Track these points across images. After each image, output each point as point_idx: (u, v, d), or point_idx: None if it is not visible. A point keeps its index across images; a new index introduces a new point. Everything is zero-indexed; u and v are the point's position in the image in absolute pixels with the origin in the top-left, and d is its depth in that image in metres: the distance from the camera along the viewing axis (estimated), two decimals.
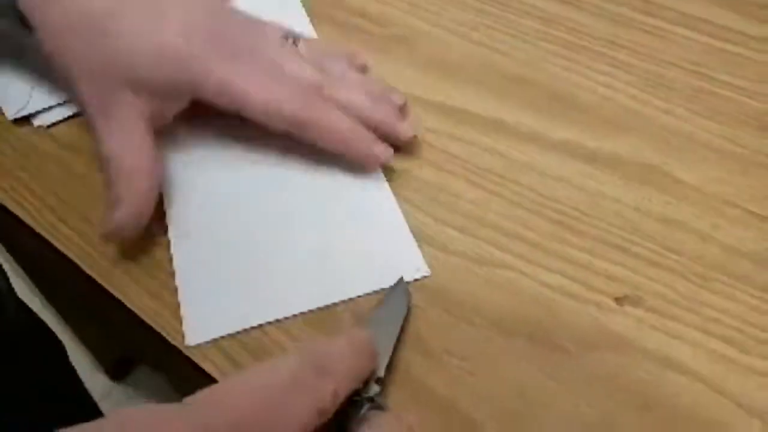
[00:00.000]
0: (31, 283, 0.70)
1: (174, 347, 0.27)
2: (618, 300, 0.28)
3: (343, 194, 0.31)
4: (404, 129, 0.33)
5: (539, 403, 0.25)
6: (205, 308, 0.28)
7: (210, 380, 0.26)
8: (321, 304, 0.27)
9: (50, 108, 0.35)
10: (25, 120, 0.35)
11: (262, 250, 0.29)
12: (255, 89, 0.30)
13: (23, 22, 0.30)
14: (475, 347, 0.26)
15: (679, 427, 0.24)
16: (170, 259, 0.29)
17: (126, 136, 0.29)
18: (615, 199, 0.31)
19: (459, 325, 0.27)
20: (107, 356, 0.88)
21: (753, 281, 0.28)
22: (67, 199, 0.32)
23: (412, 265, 0.29)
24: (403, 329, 0.26)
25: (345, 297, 0.28)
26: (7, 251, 0.62)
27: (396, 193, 0.32)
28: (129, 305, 0.28)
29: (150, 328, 0.27)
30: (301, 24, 0.40)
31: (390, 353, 0.25)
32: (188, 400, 0.19)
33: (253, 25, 0.33)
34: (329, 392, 0.20)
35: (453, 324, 0.27)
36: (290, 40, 0.33)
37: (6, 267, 0.48)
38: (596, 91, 0.36)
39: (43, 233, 0.31)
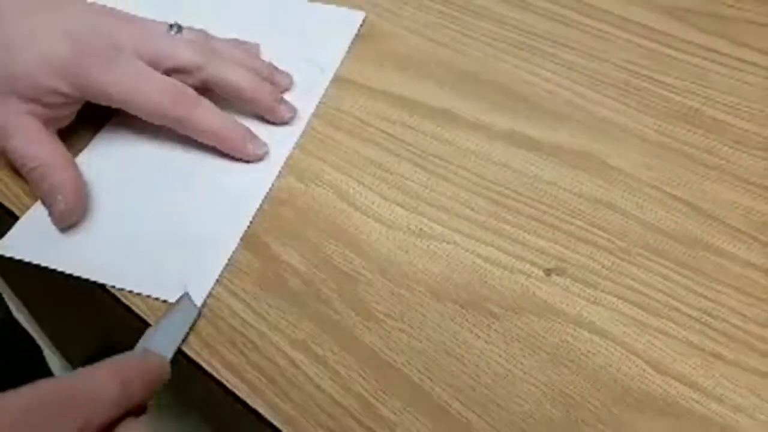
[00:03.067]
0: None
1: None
2: (546, 271, 0.30)
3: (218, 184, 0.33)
4: (281, 111, 0.35)
5: (465, 359, 0.27)
6: (38, 231, 0.30)
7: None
8: (107, 282, 0.29)
9: None
10: None
11: (116, 212, 0.31)
12: (129, 92, 0.31)
13: None
14: (412, 311, 0.28)
15: (590, 382, 0.26)
16: None
17: (32, 142, 0.30)
18: (551, 182, 0.34)
19: (397, 290, 0.29)
20: (78, 354, 0.88)
21: (669, 255, 0.30)
22: None
23: (197, 287, 0.29)
24: (184, 340, 0.27)
25: (119, 285, 0.29)
26: None
27: (348, 174, 0.34)
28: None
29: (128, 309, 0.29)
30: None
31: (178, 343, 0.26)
32: None
33: (134, 23, 0.33)
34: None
35: (392, 289, 0.29)
36: (174, 29, 0.34)
37: None
38: (541, 86, 0.39)
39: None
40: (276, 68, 0.38)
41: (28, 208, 0.32)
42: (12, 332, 0.49)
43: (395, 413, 0.26)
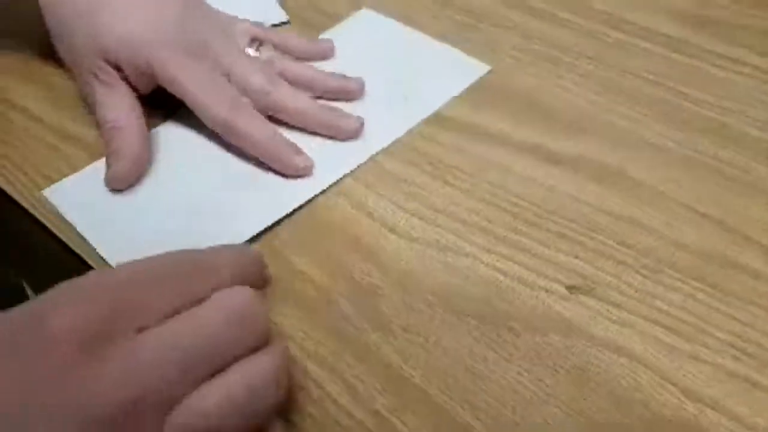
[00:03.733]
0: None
1: None
2: (569, 288, 0.29)
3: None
4: (345, 125, 0.35)
5: (484, 376, 0.26)
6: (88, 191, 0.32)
7: None
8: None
9: None
10: None
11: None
12: (193, 89, 0.33)
13: None
14: (430, 325, 0.28)
15: (618, 406, 0.25)
16: None
17: (116, 99, 0.33)
18: (574, 196, 0.33)
19: (416, 304, 0.28)
20: None
21: (698, 275, 0.29)
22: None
23: None
24: None
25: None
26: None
27: (367, 185, 0.33)
28: None
29: None
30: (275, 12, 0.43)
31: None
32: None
33: (222, 24, 0.36)
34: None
35: (411, 303, 0.28)
36: (256, 44, 0.36)
37: None
38: (562, 98, 0.38)
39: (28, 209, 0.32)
40: (345, 78, 0.37)
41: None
42: None
43: (412, 430, 0.25)
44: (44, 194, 0.32)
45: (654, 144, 0.35)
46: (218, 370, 0.21)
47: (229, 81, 0.34)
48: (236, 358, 0.21)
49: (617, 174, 0.34)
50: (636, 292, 0.29)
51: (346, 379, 0.26)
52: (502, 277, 0.29)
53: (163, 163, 0.34)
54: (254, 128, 0.33)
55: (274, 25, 0.43)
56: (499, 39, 0.42)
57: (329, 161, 0.34)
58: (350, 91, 0.37)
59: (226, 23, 0.37)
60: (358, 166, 0.34)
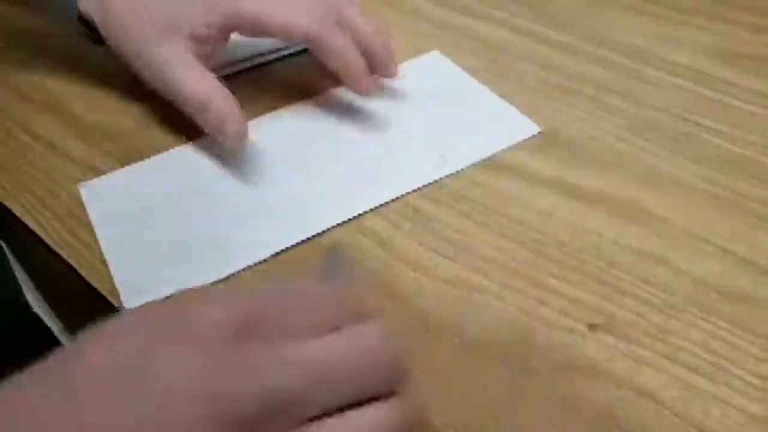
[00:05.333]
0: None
1: None
2: (591, 327, 0.29)
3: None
4: (394, 69, 0.39)
5: (508, 421, 0.26)
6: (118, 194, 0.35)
7: None
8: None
9: None
10: None
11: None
12: (280, 13, 0.36)
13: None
14: (451, 366, 0.28)
15: None
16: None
17: (198, 77, 0.36)
18: (596, 232, 0.33)
19: (437, 345, 0.28)
20: None
21: (720, 313, 0.29)
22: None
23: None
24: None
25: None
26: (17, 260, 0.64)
27: (385, 218, 0.34)
28: None
29: None
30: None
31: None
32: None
33: None
34: None
35: (432, 343, 0.28)
36: None
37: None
38: (585, 132, 0.38)
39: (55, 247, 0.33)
40: (390, 53, 0.39)
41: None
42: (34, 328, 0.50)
43: None
44: (79, 189, 0.35)
45: (677, 179, 0.35)
46: (343, 402, 0.20)
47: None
48: (362, 395, 0.21)
49: (640, 210, 0.34)
50: (659, 330, 0.28)
51: None
52: (523, 316, 0.29)
53: (183, 185, 0.35)
54: (340, 44, 0.36)
55: (296, 53, 0.44)
56: (523, 72, 0.42)
57: (352, 194, 0.34)
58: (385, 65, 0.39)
59: None
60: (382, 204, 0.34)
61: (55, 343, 0.51)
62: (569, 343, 0.28)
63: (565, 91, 0.41)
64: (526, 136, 0.38)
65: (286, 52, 0.44)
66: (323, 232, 0.33)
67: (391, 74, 0.39)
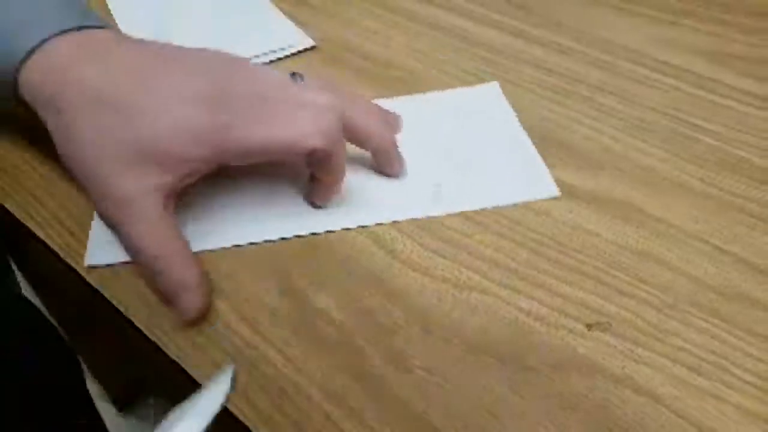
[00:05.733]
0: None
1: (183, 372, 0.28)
2: (589, 326, 0.29)
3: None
4: (398, 168, 0.35)
5: (506, 419, 0.26)
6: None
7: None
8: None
9: None
10: None
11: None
12: (277, 130, 0.29)
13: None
14: (449, 364, 0.28)
15: None
16: None
17: (154, 231, 0.28)
18: (593, 232, 0.33)
19: (436, 344, 0.28)
20: (114, 384, 0.89)
21: (717, 312, 0.29)
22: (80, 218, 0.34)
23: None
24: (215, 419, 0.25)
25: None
26: (16, 263, 0.64)
27: (386, 221, 0.34)
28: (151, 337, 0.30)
29: (164, 355, 0.29)
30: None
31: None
32: None
33: (260, 72, 0.31)
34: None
35: (430, 342, 0.28)
36: (298, 78, 0.35)
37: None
38: (582, 133, 0.38)
39: (60, 253, 0.33)
40: (390, 113, 0.36)
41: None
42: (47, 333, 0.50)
43: None
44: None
45: (673, 180, 0.35)
46: None
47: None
48: None
49: (635, 209, 0.34)
50: (656, 329, 0.29)
51: (365, 420, 0.26)
52: (521, 315, 0.29)
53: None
54: (343, 156, 0.31)
55: (300, 52, 0.44)
56: (518, 73, 0.43)
57: (355, 208, 0.34)
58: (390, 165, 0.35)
59: (260, 67, 0.32)
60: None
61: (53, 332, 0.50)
62: (568, 342, 0.28)
63: (560, 92, 0.41)
64: (541, 197, 0.34)
65: (282, 54, 0.44)
66: (322, 238, 0.33)
67: (395, 174, 0.35)
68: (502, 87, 0.41)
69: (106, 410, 0.89)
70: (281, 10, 0.49)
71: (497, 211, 0.34)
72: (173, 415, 0.26)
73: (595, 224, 0.33)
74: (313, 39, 0.45)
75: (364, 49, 0.45)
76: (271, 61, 0.44)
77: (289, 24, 0.47)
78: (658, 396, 0.26)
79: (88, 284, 0.31)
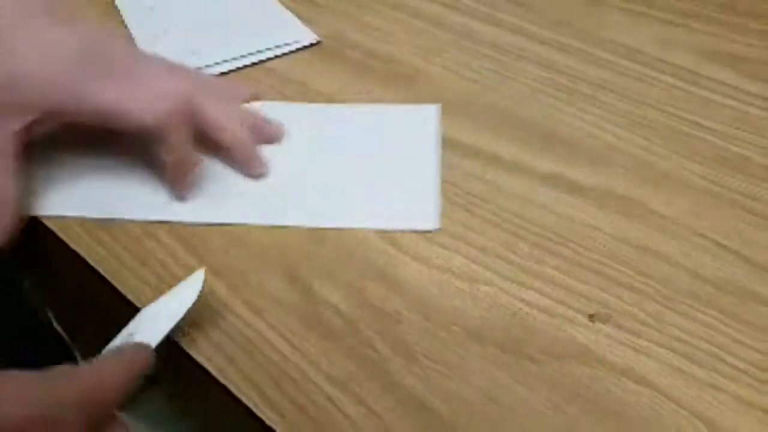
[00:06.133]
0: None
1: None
2: (590, 317, 0.29)
3: None
4: (253, 170, 0.36)
5: (506, 406, 0.27)
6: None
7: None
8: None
9: None
10: None
11: None
12: (125, 98, 0.32)
13: None
14: (451, 353, 0.28)
15: None
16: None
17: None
18: (594, 227, 0.33)
19: (438, 333, 0.29)
20: None
21: (715, 304, 0.30)
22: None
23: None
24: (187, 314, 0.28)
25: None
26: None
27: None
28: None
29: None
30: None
31: (166, 332, 0.27)
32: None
33: (131, 47, 0.36)
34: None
35: (433, 331, 0.29)
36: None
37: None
38: (583, 129, 0.39)
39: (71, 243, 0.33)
40: (264, 119, 0.38)
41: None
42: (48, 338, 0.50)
43: None
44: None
45: (673, 175, 0.36)
46: None
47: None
48: None
49: (636, 204, 0.34)
50: (655, 321, 0.29)
51: (369, 406, 0.27)
52: (523, 306, 0.30)
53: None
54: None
55: (304, 47, 0.45)
56: (520, 70, 0.43)
57: (209, 201, 0.35)
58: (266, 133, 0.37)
59: (129, 43, 0.37)
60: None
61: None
62: (569, 333, 0.29)
63: (562, 89, 0.42)
64: (415, 228, 0.33)
65: (287, 49, 0.45)
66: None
67: (251, 174, 0.36)
68: (503, 83, 0.42)
69: None
70: (286, 7, 0.49)
71: (500, 205, 0.34)
72: (143, 316, 0.27)
73: (596, 219, 0.34)
74: (317, 35, 0.46)
75: (367, 45, 0.45)
76: (276, 56, 0.44)
77: (294, 20, 0.48)
78: (656, 385, 0.27)
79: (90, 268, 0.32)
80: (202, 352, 0.28)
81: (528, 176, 0.36)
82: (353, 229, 0.33)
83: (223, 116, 0.35)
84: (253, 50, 0.44)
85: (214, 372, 0.28)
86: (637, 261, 0.32)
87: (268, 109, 0.39)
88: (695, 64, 0.43)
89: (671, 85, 0.42)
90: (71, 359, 0.52)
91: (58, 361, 0.24)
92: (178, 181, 0.34)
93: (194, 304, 0.28)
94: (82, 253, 0.32)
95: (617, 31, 0.47)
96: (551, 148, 0.38)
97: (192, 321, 0.29)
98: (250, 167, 0.36)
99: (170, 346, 0.29)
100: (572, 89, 0.42)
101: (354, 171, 0.36)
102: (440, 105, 0.40)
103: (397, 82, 0.42)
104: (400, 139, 0.38)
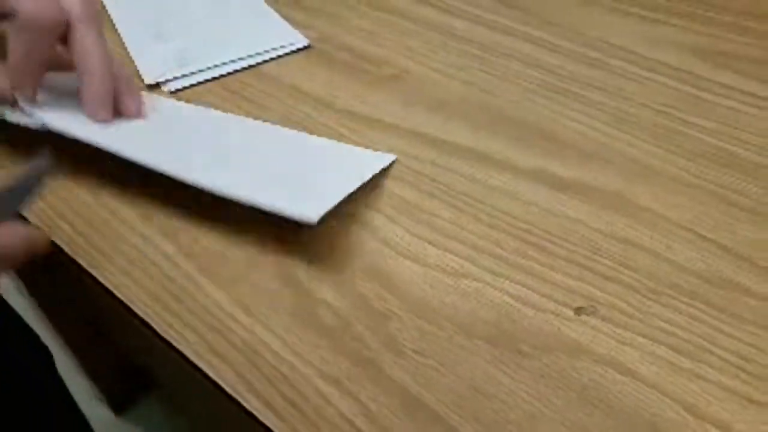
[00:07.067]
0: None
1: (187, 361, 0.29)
2: (576, 310, 0.30)
3: None
4: (130, 104, 0.36)
5: (494, 397, 0.27)
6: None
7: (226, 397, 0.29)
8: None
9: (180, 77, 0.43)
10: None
11: None
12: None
13: None
14: (441, 347, 0.29)
15: (622, 424, 0.26)
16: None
17: None
18: (580, 221, 0.34)
19: (428, 328, 0.29)
20: (110, 385, 0.87)
21: (698, 296, 0.30)
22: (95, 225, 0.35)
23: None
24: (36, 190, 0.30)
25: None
26: None
27: (380, 211, 0.35)
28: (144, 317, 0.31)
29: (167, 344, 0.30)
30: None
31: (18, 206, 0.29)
32: None
33: None
34: None
35: (423, 327, 0.30)
36: None
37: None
38: (570, 127, 0.40)
39: (63, 246, 0.34)
40: (133, 84, 0.37)
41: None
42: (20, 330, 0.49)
43: None
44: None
45: (658, 171, 0.37)
46: None
47: None
48: None
49: (622, 199, 0.35)
50: (640, 313, 0.30)
51: (362, 401, 0.27)
52: (511, 300, 0.30)
53: None
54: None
55: (295, 51, 0.45)
56: (507, 68, 0.44)
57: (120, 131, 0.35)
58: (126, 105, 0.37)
59: None
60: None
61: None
62: (555, 326, 0.29)
63: (550, 88, 0.42)
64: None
65: (278, 53, 0.45)
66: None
67: (95, 114, 0.35)
68: (491, 83, 0.42)
69: (102, 414, 0.87)
70: (276, 11, 0.50)
71: (487, 201, 0.35)
72: None
73: (582, 214, 0.34)
74: (308, 38, 0.46)
75: (358, 48, 0.46)
76: (269, 60, 0.45)
77: (285, 24, 0.48)
78: (642, 375, 0.28)
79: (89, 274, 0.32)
80: (195, 351, 0.29)
81: (515, 173, 0.37)
82: (240, 199, 0.32)
83: (100, 47, 0.35)
84: (245, 54, 0.45)
85: (210, 372, 0.28)
86: (621, 254, 0.32)
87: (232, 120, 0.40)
88: (685, 63, 0.44)
89: (660, 83, 0.43)
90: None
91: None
92: (86, 102, 0.35)
93: None
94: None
95: (607, 30, 0.47)
96: (539, 144, 0.38)
97: (186, 322, 0.30)
98: (96, 104, 0.35)
99: (158, 345, 0.30)
100: (561, 88, 0.42)
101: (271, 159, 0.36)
102: (396, 158, 0.38)
103: (387, 84, 0.43)
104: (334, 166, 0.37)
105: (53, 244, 0.33)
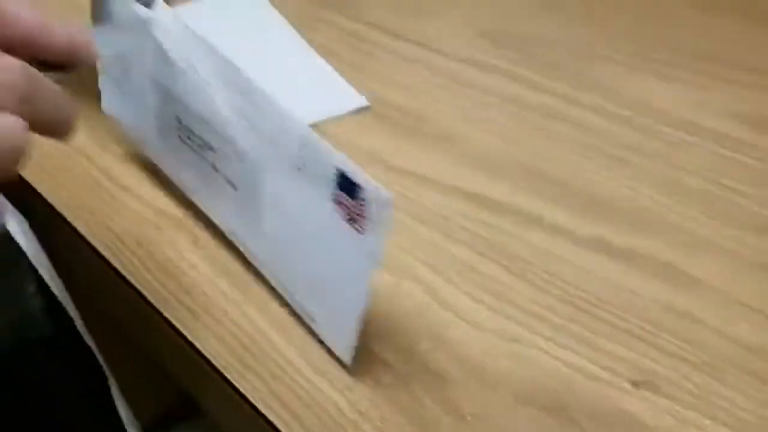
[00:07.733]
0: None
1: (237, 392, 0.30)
2: (634, 384, 0.30)
3: None
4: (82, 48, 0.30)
5: None
6: None
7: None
8: None
9: None
10: None
11: None
12: None
13: None
14: (499, 413, 0.29)
15: None
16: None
17: None
18: (634, 291, 0.34)
19: (483, 391, 0.30)
20: (147, 408, 0.87)
21: (760, 375, 0.30)
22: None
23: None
24: None
25: None
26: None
27: (437, 271, 0.35)
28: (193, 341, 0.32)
29: (215, 370, 0.31)
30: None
31: None
32: None
33: None
34: None
35: (479, 390, 0.30)
36: None
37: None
38: (621, 193, 0.40)
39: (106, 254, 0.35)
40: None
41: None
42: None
43: None
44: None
45: (712, 242, 0.37)
46: None
47: None
48: None
49: (676, 270, 0.35)
50: (698, 389, 0.30)
51: None
52: (568, 370, 0.31)
53: None
54: None
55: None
56: (555, 133, 0.45)
57: None
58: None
59: None
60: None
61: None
62: (612, 398, 0.30)
63: (597, 153, 0.43)
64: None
65: (345, 111, 0.47)
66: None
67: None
68: (542, 146, 0.43)
69: None
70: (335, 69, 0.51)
71: (541, 266, 0.36)
72: None
73: (635, 283, 0.35)
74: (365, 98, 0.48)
75: (410, 107, 0.47)
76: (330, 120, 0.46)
77: (345, 84, 0.50)
78: None
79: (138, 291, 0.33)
80: (261, 399, 0.30)
81: (569, 238, 0.37)
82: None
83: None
84: (309, 119, 0.46)
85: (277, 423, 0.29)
86: (678, 327, 0.32)
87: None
88: (731, 129, 0.45)
89: (706, 149, 0.43)
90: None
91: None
92: None
93: None
94: None
95: (653, 95, 0.48)
96: (592, 210, 0.39)
97: (219, 339, 0.31)
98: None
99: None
100: (610, 154, 0.43)
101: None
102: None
103: (439, 144, 0.44)
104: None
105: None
